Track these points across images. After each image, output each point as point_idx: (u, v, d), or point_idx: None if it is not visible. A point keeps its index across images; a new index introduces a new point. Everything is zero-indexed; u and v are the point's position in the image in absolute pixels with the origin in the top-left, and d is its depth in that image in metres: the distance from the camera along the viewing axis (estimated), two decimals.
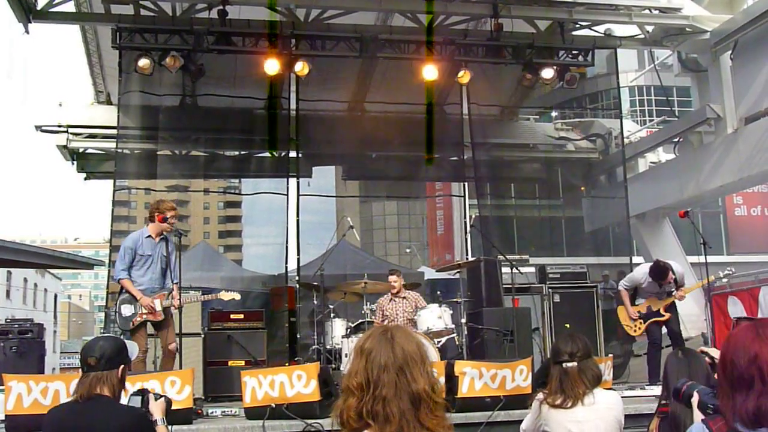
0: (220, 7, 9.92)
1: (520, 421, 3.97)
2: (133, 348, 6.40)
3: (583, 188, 16.68)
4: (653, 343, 7.98)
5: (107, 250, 12.28)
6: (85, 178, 14.91)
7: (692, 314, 10.73)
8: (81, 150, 14.32)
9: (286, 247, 10.77)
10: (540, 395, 3.74)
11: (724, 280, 7.95)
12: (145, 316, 6.88)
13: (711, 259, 7.76)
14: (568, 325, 9.04)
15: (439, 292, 9.77)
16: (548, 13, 11.13)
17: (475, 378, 6.13)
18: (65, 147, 13.70)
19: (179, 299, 6.86)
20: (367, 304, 8.57)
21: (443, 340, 8.28)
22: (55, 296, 50.22)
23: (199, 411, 6.35)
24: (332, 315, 8.56)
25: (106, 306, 11.21)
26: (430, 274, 14.97)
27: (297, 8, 10.85)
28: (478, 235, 12.38)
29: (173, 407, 3.59)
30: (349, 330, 8.29)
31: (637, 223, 14.75)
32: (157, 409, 3.23)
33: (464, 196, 14.13)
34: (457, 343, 8.37)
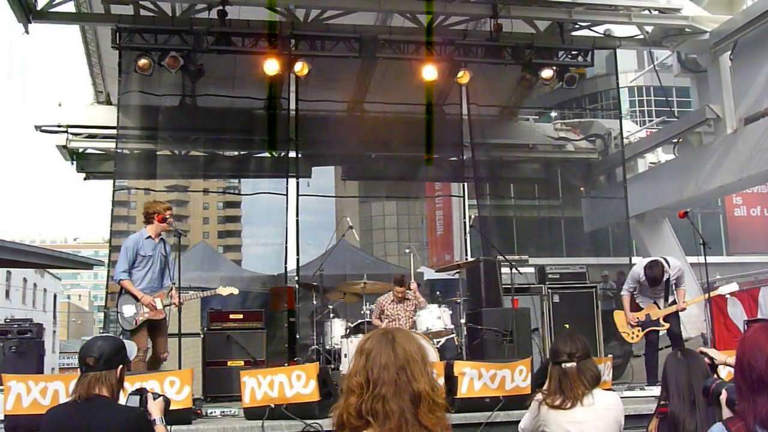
0: (220, 8, 9.93)
1: (520, 422, 3.97)
2: (131, 348, 6.39)
3: (582, 189, 16.69)
4: (650, 344, 7.97)
5: (107, 250, 12.29)
6: (85, 178, 14.91)
7: (692, 315, 10.71)
8: (80, 150, 14.33)
9: (286, 248, 10.77)
10: (539, 395, 3.73)
11: (728, 296, 7.86)
12: (146, 315, 6.90)
13: (710, 259, 7.75)
14: (567, 326, 9.04)
15: (438, 293, 9.77)
16: (547, 14, 11.14)
17: (475, 378, 6.12)
18: (65, 147, 13.71)
19: (179, 298, 6.90)
20: (366, 305, 8.59)
21: (442, 340, 8.28)
22: (55, 296, 50.22)
23: (199, 411, 6.34)
24: (331, 315, 8.57)
25: (105, 306, 11.22)
26: (429, 274, 14.96)
27: (296, 8, 10.86)
28: (477, 236, 12.38)
29: (172, 407, 3.60)
30: (348, 330, 8.30)
31: (637, 223, 14.75)
32: (155, 409, 3.23)
33: (464, 197, 14.14)
34: (456, 343, 8.37)
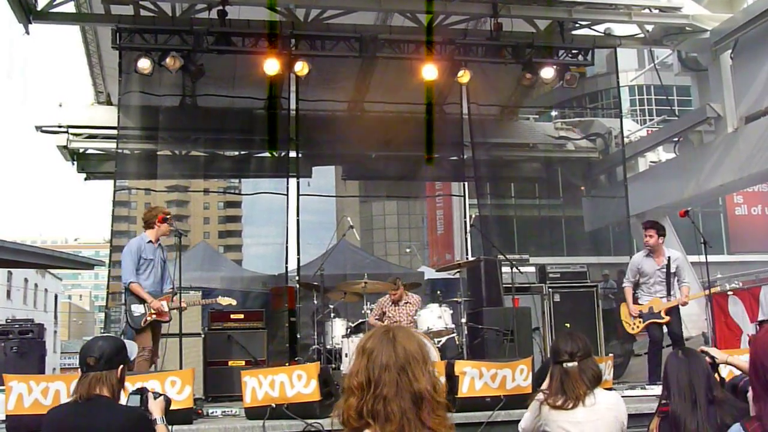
0: (220, 8, 9.92)
1: (520, 422, 3.96)
2: (132, 348, 6.44)
3: (583, 188, 16.67)
4: (654, 342, 7.96)
5: (107, 250, 12.29)
6: (86, 179, 14.91)
7: (693, 314, 10.71)
8: (81, 150, 14.32)
9: (286, 247, 10.77)
10: (540, 395, 3.72)
11: (730, 292, 7.86)
12: (154, 316, 7.02)
13: (711, 258, 7.74)
14: (568, 325, 9.04)
15: (439, 292, 9.78)
16: (548, 13, 11.12)
17: (476, 378, 6.13)
18: (65, 147, 13.70)
19: (180, 301, 7.04)
20: (367, 304, 8.58)
21: (443, 339, 8.28)
22: (56, 296, 50.25)
23: (200, 411, 6.35)
24: (332, 315, 8.56)
25: (106, 306, 11.25)
26: (430, 273, 14.96)
27: (296, 8, 10.85)
28: (478, 235, 12.37)
29: (173, 407, 3.60)
30: (349, 330, 8.30)
31: (637, 222, 14.70)
32: (156, 408, 3.23)
33: (464, 196, 14.12)
34: (457, 342, 8.36)
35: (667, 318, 7.78)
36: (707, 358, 3.65)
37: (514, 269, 8.58)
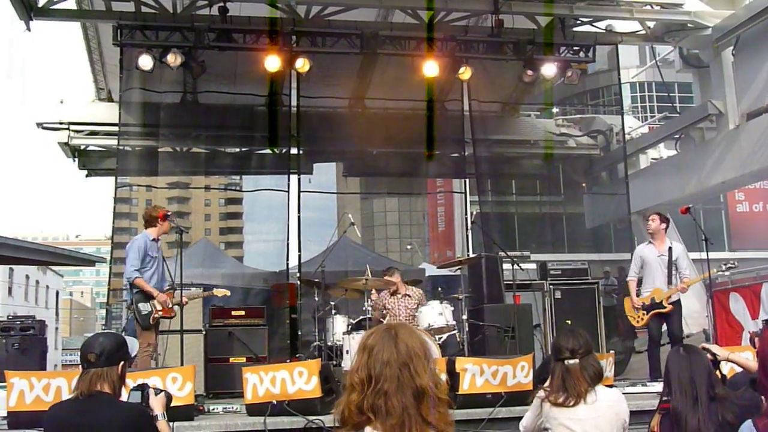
0: (221, 4, 9.92)
1: (522, 418, 3.96)
2: (133, 344, 6.45)
3: (584, 185, 16.68)
4: (652, 340, 8.00)
5: (109, 247, 12.29)
6: (87, 175, 14.92)
7: (694, 311, 10.72)
8: (82, 147, 14.34)
9: (287, 244, 10.79)
10: (541, 393, 3.71)
11: (727, 273, 7.89)
12: (160, 313, 7.06)
13: (712, 255, 7.75)
14: (569, 322, 9.04)
15: (440, 289, 9.74)
16: (549, 9, 11.10)
17: (477, 374, 6.13)
18: (66, 144, 13.72)
19: (181, 297, 7.08)
20: (368, 301, 8.56)
21: (444, 336, 8.27)
22: (57, 293, 50.34)
23: (201, 407, 6.37)
24: (333, 312, 8.56)
25: (107, 303, 11.26)
26: (431, 270, 14.93)
27: (297, 5, 10.85)
28: (479, 232, 12.37)
29: (174, 404, 3.60)
30: (350, 326, 8.29)
31: (639, 219, 14.73)
32: (157, 404, 3.23)
33: (465, 193, 14.12)
34: (458, 339, 8.36)
35: (669, 307, 7.80)
36: (708, 355, 3.65)
37: (515, 266, 8.57)
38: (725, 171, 12.32)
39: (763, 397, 2.75)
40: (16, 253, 15.86)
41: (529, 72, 11.16)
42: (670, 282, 7.90)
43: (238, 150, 14.67)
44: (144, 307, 7.03)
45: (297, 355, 8.98)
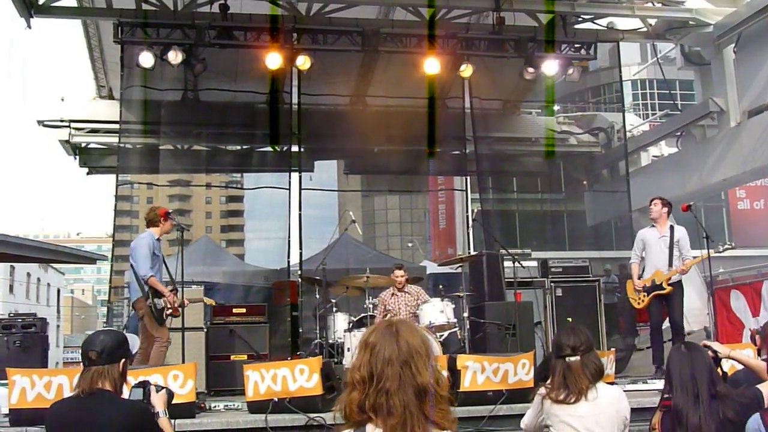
0: (222, 1, 9.92)
1: (523, 415, 3.96)
2: (134, 341, 6.46)
3: (585, 182, 16.67)
4: (653, 326, 8.04)
5: (110, 244, 12.30)
6: (88, 173, 14.91)
7: (695, 308, 10.70)
8: (83, 145, 14.33)
9: (289, 242, 10.79)
10: (542, 390, 3.71)
11: (725, 253, 7.89)
12: (170, 311, 7.10)
13: (713, 253, 7.74)
14: (570, 319, 9.03)
15: (441, 286, 9.75)
16: (550, 6, 11.07)
17: (478, 372, 6.14)
18: (67, 142, 13.72)
19: (183, 297, 7.19)
20: (369, 299, 8.57)
21: (445, 334, 8.27)
22: (58, 291, 50.36)
23: (202, 405, 6.37)
24: (334, 309, 8.57)
25: (108, 300, 11.26)
26: (432, 268, 14.95)
27: (298, 2, 10.85)
28: (480, 229, 12.38)
29: (176, 401, 3.61)
30: (351, 324, 8.30)
31: (640, 217, 14.68)
32: (158, 402, 3.23)
33: (466, 190, 14.10)
34: (459, 337, 8.36)
35: (669, 288, 7.80)
36: (710, 353, 3.64)
37: (516, 263, 8.57)
38: (726, 168, 12.31)
39: None
40: (18, 251, 15.84)
41: (531, 69, 11.15)
42: (671, 264, 7.92)
43: (239, 148, 14.67)
44: (159, 303, 7.06)
45: (298, 353, 8.98)
